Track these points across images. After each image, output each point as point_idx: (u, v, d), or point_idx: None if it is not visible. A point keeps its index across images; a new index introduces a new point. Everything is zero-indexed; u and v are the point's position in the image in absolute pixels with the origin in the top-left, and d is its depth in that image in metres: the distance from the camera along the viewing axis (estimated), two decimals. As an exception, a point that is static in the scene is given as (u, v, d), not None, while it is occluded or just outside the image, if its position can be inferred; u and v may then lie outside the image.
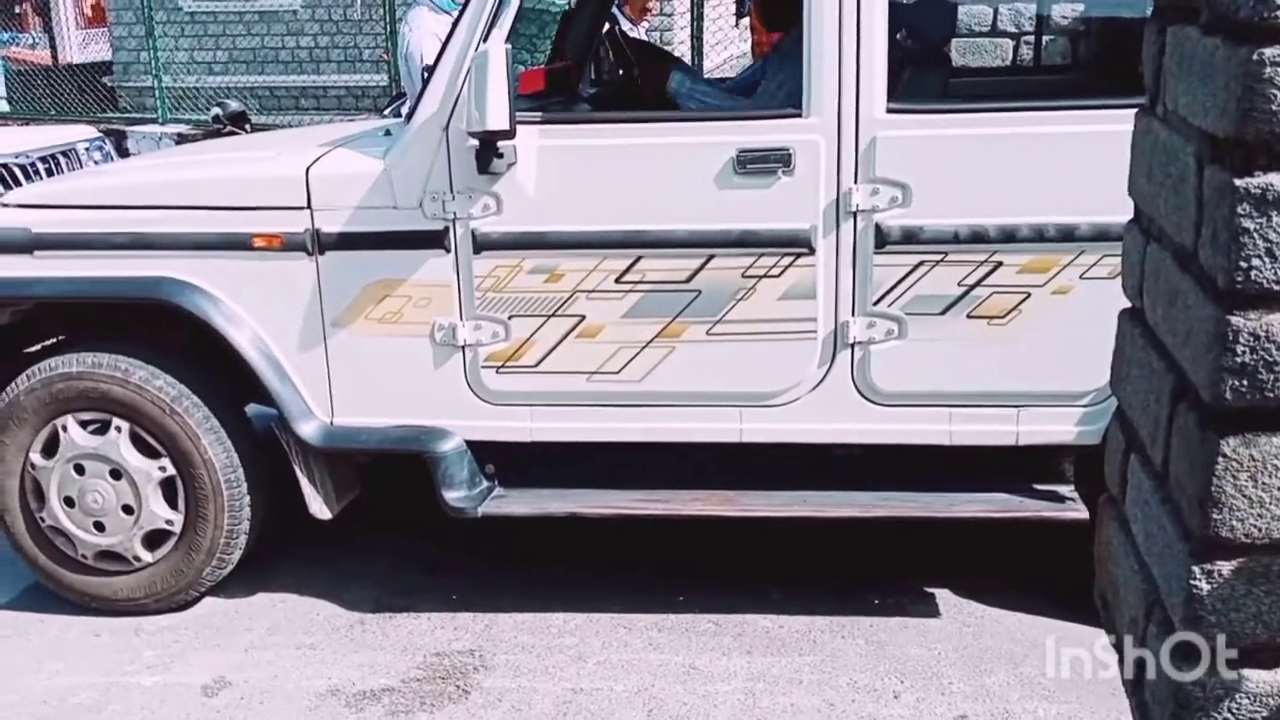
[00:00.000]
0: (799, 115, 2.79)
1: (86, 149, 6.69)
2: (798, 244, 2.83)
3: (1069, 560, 2.39)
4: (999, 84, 4.40)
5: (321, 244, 2.98)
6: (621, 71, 3.92)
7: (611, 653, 3.04)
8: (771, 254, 2.85)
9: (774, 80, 3.11)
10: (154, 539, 3.20)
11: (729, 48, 10.87)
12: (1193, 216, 1.05)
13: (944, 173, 2.77)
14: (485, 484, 3.10)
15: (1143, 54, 1.23)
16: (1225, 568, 1.03)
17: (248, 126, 6.20)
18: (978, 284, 2.80)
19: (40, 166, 6.21)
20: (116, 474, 3.14)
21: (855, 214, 2.80)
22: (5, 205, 3.33)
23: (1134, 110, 1.28)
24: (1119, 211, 1.39)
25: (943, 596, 3.25)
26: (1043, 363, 2.83)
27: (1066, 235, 2.75)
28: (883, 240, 2.80)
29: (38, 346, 3.41)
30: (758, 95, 3.19)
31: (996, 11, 7.38)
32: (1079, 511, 2.87)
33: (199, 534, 3.16)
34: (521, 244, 2.91)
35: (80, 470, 3.15)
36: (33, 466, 3.19)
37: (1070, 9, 5.69)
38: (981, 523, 2.98)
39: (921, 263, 2.81)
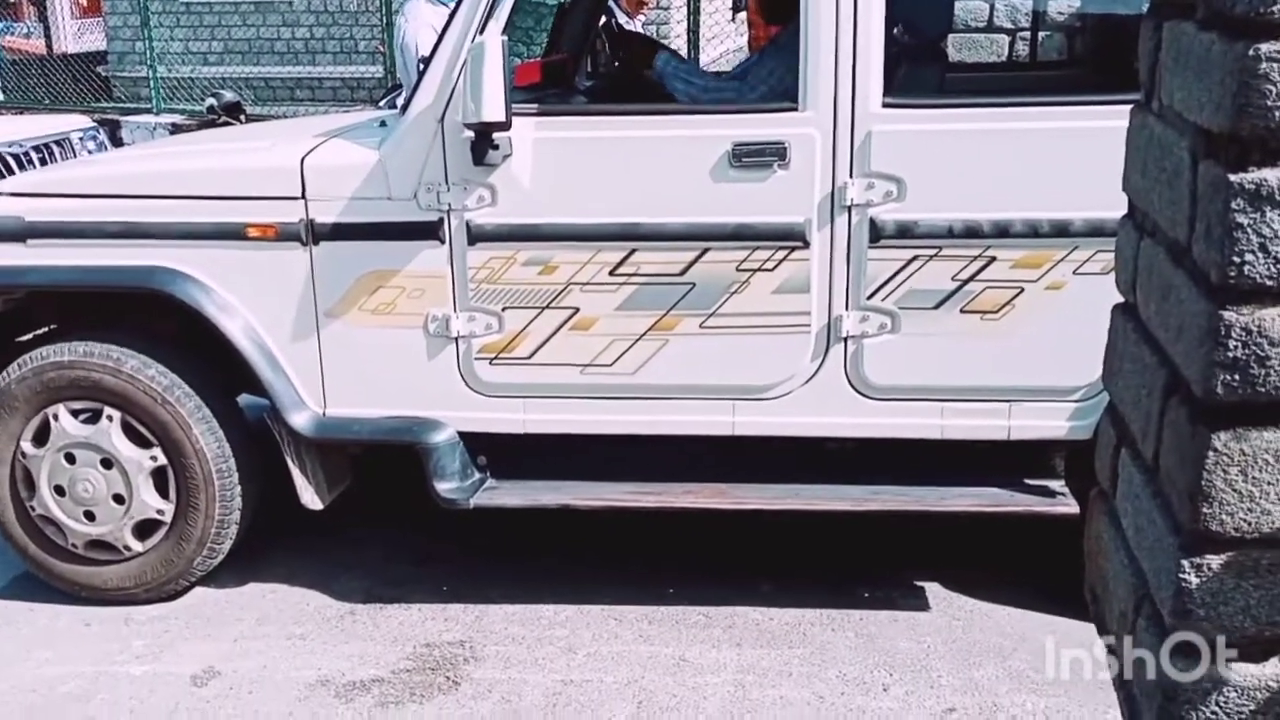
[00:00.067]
0: (795, 109, 2.79)
1: (80, 139, 6.67)
2: (792, 238, 2.83)
3: (1059, 555, 2.40)
4: (995, 79, 4.40)
5: (316, 234, 2.98)
6: (617, 64, 3.92)
7: (602, 644, 3.04)
8: (766, 247, 2.85)
9: (765, 67, 3.10)
10: (144, 528, 3.20)
11: (725, 42, 10.86)
12: (1187, 211, 1.06)
13: (939, 167, 2.77)
14: (477, 475, 3.10)
15: (1138, 49, 1.24)
16: (1215, 562, 1.03)
17: (243, 117, 6.17)
18: (971, 279, 2.81)
19: (34, 155, 6.18)
20: (107, 463, 3.13)
21: (850, 208, 2.80)
22: (-1, 193, 3.32)
23: (1129, 106, 1.28)
24: (1113, 207, 1.40)
25: (933, 590, 3.26)
26: (1035, 358, 2.83)
27: (1060, 230, 2.75)
28: (877, 234, 2.80)
29: (30, 335, 3.40)
30: (748, 80, 3.18)
31: (993, 7, 7.40)
32: (1069, 506, 2.88)
33: (190, 524, 3.16)
34: (516, 236, 2.91)
35: (71, 459, 3.15)
36: (23, 455, 3.18)
37: (1066, 4, 5.70)
38: (972, 517, 2.99)
39: (915, 257, 2.81)
